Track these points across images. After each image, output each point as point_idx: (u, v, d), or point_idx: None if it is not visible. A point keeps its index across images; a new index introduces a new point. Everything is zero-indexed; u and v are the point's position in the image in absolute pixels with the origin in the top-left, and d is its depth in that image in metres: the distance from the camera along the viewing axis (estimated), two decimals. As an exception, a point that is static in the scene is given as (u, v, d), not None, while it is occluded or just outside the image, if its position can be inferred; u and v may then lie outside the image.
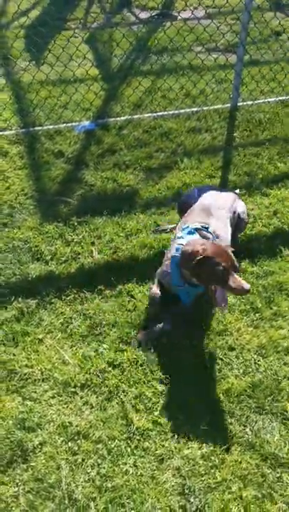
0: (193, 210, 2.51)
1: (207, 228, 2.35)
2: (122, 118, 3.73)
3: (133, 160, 3.40)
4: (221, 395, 2.09)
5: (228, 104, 3.90)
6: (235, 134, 3.65)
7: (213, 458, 1.92)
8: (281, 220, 2.95)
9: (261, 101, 3.93)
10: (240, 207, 2.62)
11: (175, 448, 1.96)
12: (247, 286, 2.04)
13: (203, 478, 1.87)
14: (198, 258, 2.08)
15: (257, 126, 3.71)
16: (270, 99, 3.94)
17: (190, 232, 2.31)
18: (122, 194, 3.14)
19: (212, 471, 1.89)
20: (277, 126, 3.68)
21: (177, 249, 2.26)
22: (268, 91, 4.02)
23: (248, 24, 3.57)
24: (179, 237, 2.32)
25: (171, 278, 2.30)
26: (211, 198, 2.55)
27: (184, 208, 2.62)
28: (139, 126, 3.67)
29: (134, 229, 2.87)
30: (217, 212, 2.47)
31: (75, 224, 2.89)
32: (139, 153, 3.45)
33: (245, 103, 3.90)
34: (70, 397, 2.13)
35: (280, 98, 3.93)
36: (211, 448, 1.95)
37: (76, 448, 1.97)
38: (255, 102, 3.91)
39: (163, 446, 1.97)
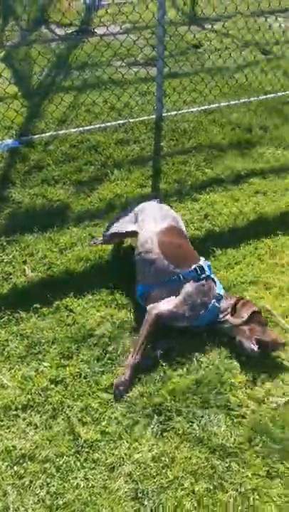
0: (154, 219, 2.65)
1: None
2: (47, 134, 3.82)
3: (62, 175, 3.49)
4: (167, 395, 2.19)
5: (154, 116, 4.12)
6: (162, 144, 3.86)
7: (163, 458, 2.00)
8: (212, 223, 3.14)
9: (185, 111, 4.19)
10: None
11: (125, 454, 2.01)
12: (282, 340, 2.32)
13: (155, 480, 1.93)
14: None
15: (182, 135, 3.94)
16: (193, 109, 4.21)
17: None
18: (53, 209, 3.21)
19: (163, 471, 1.96)
20: (201, 134, 3.94)
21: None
22: (191, 101, 4.30)
23: (164, 38, 3.83)
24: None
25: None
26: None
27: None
28: (66, 141, 3.78)
29: (68, 243, 2.94)
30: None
31: (4, 244, 2.92)
32: (68, 167, 3.56)
33: (169, 113, 4.14)
34: (12, 420, 2.12)
35: (203, 107, 4.22)
36: (161, 449, 2.02)
37: (22, 471, 1.96)
38: (179, 112, 4.17)
39: (113, 454, 2.02)
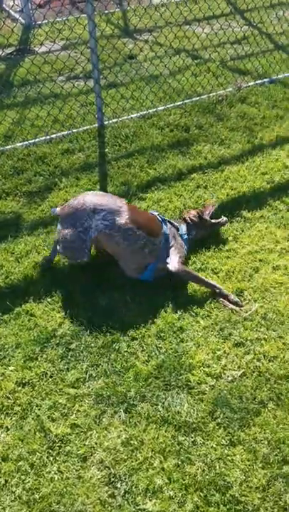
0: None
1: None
2: (-5, 150, 3.76)
3: (12, 187, 3.44)
4: (130, 382, 2.20)
5: (96, 124, 4.13)
6: (106, 150, 3.88)
7: (132, 442, 2.01)
8: (159, 218, 3.19)
9: (125, 118, 4.22)
10: None
11: (96, 443, 2.01)
12: None
13: (126, 463, 1.94)
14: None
15: (125, 141, 3.97)
16: (132, 115, 4.25)
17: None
18: (6, 221, 3.16)
19: (133, 454, 1.97)
20: (142, 138, 3.98)
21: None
22: (130, 108, 4.34)
23: (97, 49, 3.85)
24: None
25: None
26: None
27: None
28: (13, 155, 3.73)
29: (24, 251, 2.90)
30: None
31: None
32: (18, 180, 3.51)
33: (110, 121, 4.16)
34: (-16, 425, 2.08)
35: (141, 113, 4.27)
36: (130, 433, 2.03)
37: (-3, 472, 1.93)
38: (120, 119, 4.20)
39: (84, 445, 2.01)
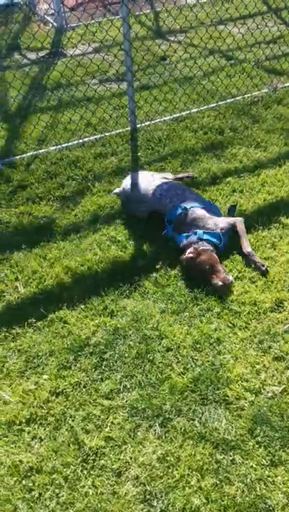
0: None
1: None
2: (28, 154, 3.76)
3: (45, 192, 3.43)
4: (166, 395, 2.13)
5: (128, 128, 4.08)
6: (139, 154, 3.83)
7: (168, 458, 1.94)
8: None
9: (157, 120, 4.16)
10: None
11: (131, 458, 1.95)
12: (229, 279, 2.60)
13: (162, 480, 1.88)
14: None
15: (158, 144, 3.91)
16: (165, 118, 4.18)
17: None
18: (40, 226, 3.14)
19: (170, 470, 1.90)
20: (175, 141, 3.91)
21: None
22: (162, 110, 4.27)
23: (131, 51, 3.80)
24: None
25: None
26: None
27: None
28: (46, 160, 3.72)
29: (57, 257, 2.88)
30: None
31: (-4, 263, 2.85)
32: (51, 184, 3.50)
33: (143, 124, 4.10)
34: (17, 435, 2.05)
35: (174, 116, 4.19)
36: (165, 449, 1.97)
37: (31, 484, 1.90)
38: (152, 122, 4.14)
39: (119, 459, 1.96)
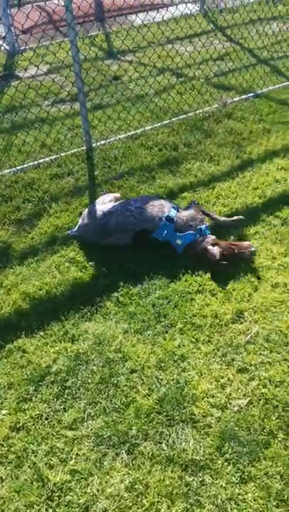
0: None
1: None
2: (-18, 178, 3.63)
3: (0, 216, 3.29)
4: (131, 419, 2.04)
5: (84, 147, 4.02)
6: (96, 173, 3.76)
7: (137, 486, 1.83)
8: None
9: (112, 139, 4.11)
10: None
11: (98, 490, 1.84)
12: None
13: (131, 511, 1.77)
14: None
15: (114, 162, 3.86)
16: (120, 136, 4.14)
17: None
18: (-5, 251, 3.01)
19: (139, 499, 1.80)
20: (131, 159, 3.87)
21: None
22: (117, 129, 4.23)
23: (81, 73, 3.75)
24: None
25: None
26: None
27: None
28: (1, 183, 3.59)
29: (14, 283, 2.75)
30: None
31: None
32: (6, 207, 3.37)
33: (98, 143, 4.05)
34: (-23, 476, 1.90)
35: (129, 133, 4.16)
36: (133, 477, 1.86)
37: (-7, 530, 1.75)
38: (107, 140, 4.09)
39: (85, 493, 1.83)
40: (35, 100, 4.47)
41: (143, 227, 2.88)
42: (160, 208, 2.93)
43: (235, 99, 4.57)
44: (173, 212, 2.91)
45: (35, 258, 2.93)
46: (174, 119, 4.29)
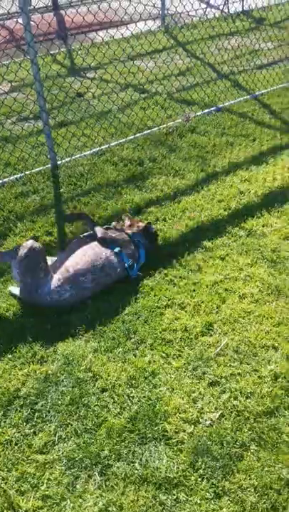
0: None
1: None
2: None
3: None
4: (103, 440, 2.02)
5: (49, 165, 4.02)
6: (61, 190, 3.76)
7: (110, 508, 1.81)
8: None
9: (78, 156, 4.14)
10: None
11: (71, 516, 1.81)
12: None
13: (106, 535, 1.75)
14: None
15: (80, 179, 3.88)
16: (85, 153, 4.17)
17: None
18: None
19: (113, 522, 1.79)
20: (97, 175, 3.90)
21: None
22: (82, 146, 4.26)
23: (43, 91, 3.78)
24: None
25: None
26: None
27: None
28: None
29: (-20, 305, 2.71)
30: None
31: None
32: None
33: (63, 161, 4.06)
34: None
35: (94, 150, 4.20)
36: (107, 499, 1.84)
37: None
38: (73, 157, 4.11)
39: (58, 519, 1.81)
40: (-3, 119, 4.46)
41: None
42: (105, 260, 2.74)
43: (198, 114, 4.69)
44: (116, 250, 2.82)
45: (2, 279, 2.90)
46: (138, 135, 4.37)
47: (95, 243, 2.84)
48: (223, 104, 4.85)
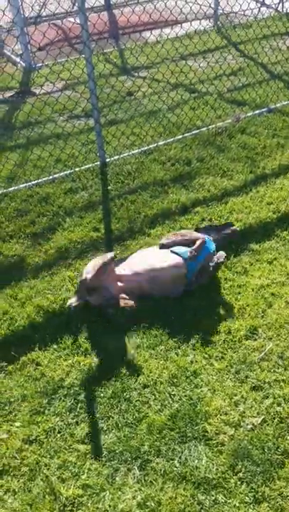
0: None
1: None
2: (-3, 193, 3.73)
3: (16, 229, 3.38)
4: (144, 435, 2.05)
5: (98, 162, 4.11)
6: (109, 188, 3.83)
7: (148, 503, 1.84)
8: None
9: (126, 154, 4.20)
10: None
11: (110, 506, 1.85)
12: None
13: (143, 528, 1.78)
14: None
15: (127, 177, 3.93)
16: (133, 152, 4.22)
17: None
18: (10, 264, 3.08)
19: (151, 517, 1.81)
20: (144, 174, 3.94)
21: None
22: (130, 144, 4.32)
23: (96, 90, 3.86)
24: None
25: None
26: None
27: None
28: (16, 197, 3.69)
29: (28, 296, 2.80)
30: None
31: None
32: (21, 221, 3.45)
33: (112, 159, 4.13)
34: (-11, 489, 1.93)
35: (142, 149, 4.24)
36: (145, 493, 1.87)
37: None
38: (121, 156, 4.17)
39: (97, 508, 1.85)
40: (50, 116, 4.59)
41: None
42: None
43: (248, 114, 4.63)
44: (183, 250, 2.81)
45: (50, 272, 2.99)
46: (187, 135, 4.37)
47: None
48: (275, 105, 4.77)
